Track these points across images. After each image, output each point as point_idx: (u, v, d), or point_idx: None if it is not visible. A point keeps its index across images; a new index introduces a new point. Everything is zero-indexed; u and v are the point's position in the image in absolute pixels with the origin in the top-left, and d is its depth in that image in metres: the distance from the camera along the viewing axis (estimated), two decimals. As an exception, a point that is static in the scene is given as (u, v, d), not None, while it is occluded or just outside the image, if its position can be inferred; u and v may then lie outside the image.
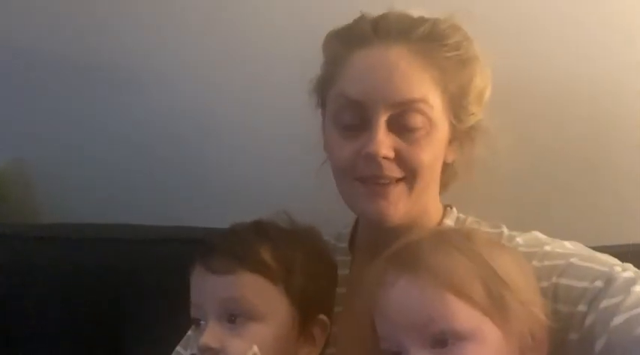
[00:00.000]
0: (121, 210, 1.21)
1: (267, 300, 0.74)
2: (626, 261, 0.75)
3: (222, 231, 0.81)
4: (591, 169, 1.05)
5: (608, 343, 0.68)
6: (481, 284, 0.65)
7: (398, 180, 0.79)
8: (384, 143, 0.77)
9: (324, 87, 0.85)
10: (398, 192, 0.79)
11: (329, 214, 0.87)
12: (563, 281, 0.73)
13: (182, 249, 0.86)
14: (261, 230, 0.80)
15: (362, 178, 0.80)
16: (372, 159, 0.77)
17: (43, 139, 1.29)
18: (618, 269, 0.73)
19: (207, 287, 0.75)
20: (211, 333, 0.71)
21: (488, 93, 0.86)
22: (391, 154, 0.78)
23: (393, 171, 0.79)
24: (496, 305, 0.64)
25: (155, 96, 1.22)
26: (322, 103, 0.87)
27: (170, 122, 1.22)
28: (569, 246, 0.79)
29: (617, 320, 0.68)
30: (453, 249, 0.68)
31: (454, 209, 0.89)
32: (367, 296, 0.70)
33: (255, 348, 0.66)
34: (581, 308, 0.71)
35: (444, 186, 0.89)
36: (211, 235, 0.81)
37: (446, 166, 0.86)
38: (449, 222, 0.87)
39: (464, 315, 0.64)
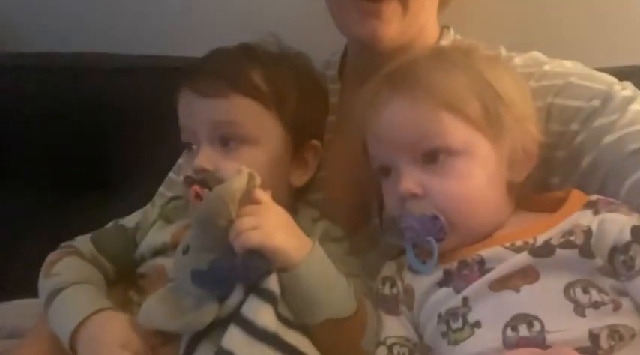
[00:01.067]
0: (100, 38, 1.16)
1: (260, 124, 0.72)
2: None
3: (208, 53, 0.77)
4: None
5: (595, 160, 0.69)
6: (477, 100, 0.64)
7: None
8: None
9: None
10: (392, 9, 0.74)
11: (317, 43, 0.83)
12: (559, 101, 0.72)
13: (165, 77, 0.82)
14: (250, 52, 0.76)
15: None
16: None
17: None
18: (617, 88, 0.71)
19: (197, 110, 0.73)
20: (205, 155, 0.70)
21: None
22: None
23: None
24: (491, 121, 0.64)
25: None
26: None
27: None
28: (569, 65, 0.76)
29: (609, 138, 0.68)
30: (451, 65, 0.66)
31: (451, 30, 0.85)
32: (359, 116, 0.69)
33: (245, 169, 0.64)
34: (574, 126, 0.70)
35: (443, 3, 0.83)
36: (196, 59, 0.77)
37: None
38: (445, 43, 0.83)
39: (457, 132, 0.64)
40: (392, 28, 0.75)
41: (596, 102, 0.71)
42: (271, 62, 0.75)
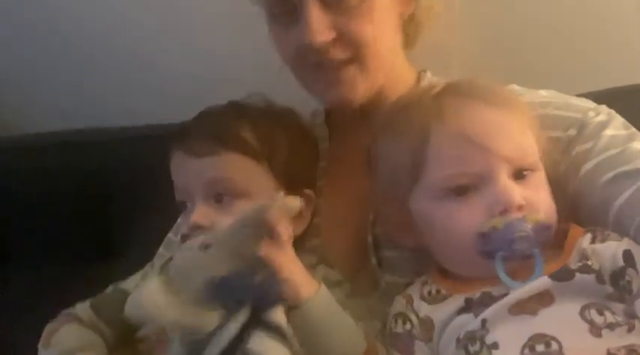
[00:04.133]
0: (96, 113, 1.18)
1: (252, 178, 0.72)
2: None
3: (198, 115, 0.77)
4: (569, 13, 1.01)
5: (577, 189, 0.69)
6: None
7: (347, 62, 0.73)
8: (319, 27, 0.70)
9: None
10: (351, 74, 0.73)
11: (299, 97, 0.82)
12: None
13: (160, 144, 0.83)
14: (238, 110, 0.77)
15: (312, 66, 0.74)
16: (310, 47, 0.71)
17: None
18: (591, 114, 0.72)
19: (190, 170, 0.73)
20: (200, 212, 0.70)
21: None
22: (331, 36, 0.71)
23: (338, 53, 0.72)
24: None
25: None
26: None
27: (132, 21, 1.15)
28: (544, 94, 0.77)
29: (587, 166, 0.68)
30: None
31: (428, 72, 0.85)
32: (420, 129, 0.65)
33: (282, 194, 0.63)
34: (555, 157, 0.70)
35: (410, 43, 0.83)
36: (186, 121, 0.78)
37: (406, 22, 0.79)
38: (425, 85, 0.82)
39: (535, 151, 0.66)
40: (357, 89, 0.74)
41: (572, 132, 0.71)
42: (259, 117, 0.76)
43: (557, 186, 0.68)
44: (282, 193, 0.64)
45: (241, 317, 0.60)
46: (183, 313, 0.58)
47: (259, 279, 0.61)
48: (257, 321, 0.60)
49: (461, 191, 0.64)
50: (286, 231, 0.64)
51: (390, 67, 0.78)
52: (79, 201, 1.10)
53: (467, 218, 0.63)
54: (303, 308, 0.62)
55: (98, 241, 1.09)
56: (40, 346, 0.73)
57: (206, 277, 0.59)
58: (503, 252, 0.61)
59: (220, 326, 0.59)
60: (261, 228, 0.62)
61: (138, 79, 1.22)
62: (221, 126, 0.74)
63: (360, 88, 0.74)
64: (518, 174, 0.64)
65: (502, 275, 0.61)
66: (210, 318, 0.58)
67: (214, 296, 0.59)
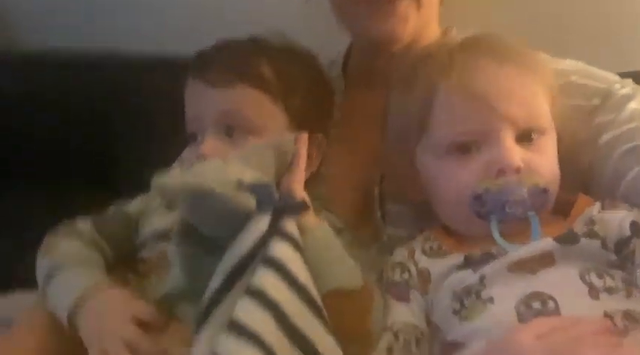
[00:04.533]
0: (108, 35, 1.15)
1: (266, 116, 0.71)
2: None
3: (217, 44, 0.76)
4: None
5: (593, 159, 0.68)
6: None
7: None
8: None
9: None
10: (406, 5, 0.73)
11: (319, 44, 0.81)
12: (560, 100, 0.71)
13: (172, 73, 0.81)
14: (259, 45, 0.76)
15: None
16: None
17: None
18: (617, 86, 0.71)
19: (204, 100, 0.72)
20: (210, 144, 0.69)
21: None
22: None
23: None
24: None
25: None
26: None
27: None
28: (570, 63, 0.76)
29: (606, 137, 0.68)
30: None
31: (454, 29, 0.84)
32: (429, 83, 0.65)
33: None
34: (575, 125, 0.70)
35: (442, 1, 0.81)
36: (206, 49, 0.76)
37: None
38: None
39: (547, 113, 0.65)
40: (408, 24, 0.74)
41: (596, 101, 0.70)
42: (280, 55, 0.74)
43: (572, 155, 0.67)
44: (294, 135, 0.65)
45: (262, 224, 0.60)
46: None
47: (278, 194, 0.62)
48: (275, 232, 0.60)
49: (464, 149, 0.64)
50: (304, 164, 0.65)
51: (431, 14, 0.78)
52: (78, 123, 1.08)
53: (465, 177, 0.63)
54: (308, 235, 0.62)
55: (104, 167, 1.08)
56: (39, 254, 0.72)
57: (232, 179, 0.59)
58: (497, 215, 0.61)
59: (240, 231, 0.59)
60: (283, 155, 0.63)
61: (149, 3, 1.18)
62: (241, 58, 0.73)
63: (410, 24, 0.74)
64: (525, 137, 0.63)
65: (497, 237, 0.61)
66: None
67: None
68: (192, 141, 0.74)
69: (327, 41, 0.83)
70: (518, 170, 0.61)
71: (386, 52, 0.76)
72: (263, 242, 0.59)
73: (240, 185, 0.59)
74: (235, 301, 0.55)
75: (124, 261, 0.74)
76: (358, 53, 0.87)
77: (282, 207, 0.61)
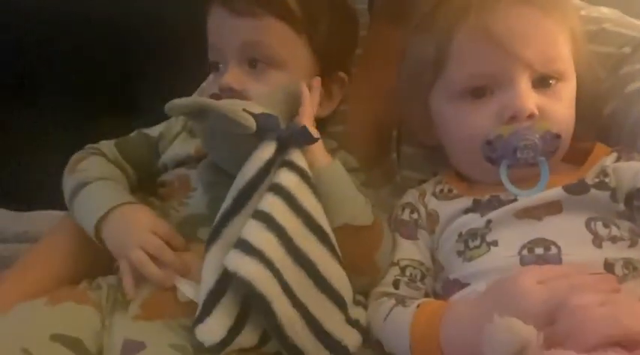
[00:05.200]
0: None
1: (290, 48, 0.71)
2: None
3: None
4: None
5: (616, 108, 0.67)
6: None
7: None
8: None
9: None
10: None
11: None
12: (591, 47, 0.70)
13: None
14: None
15: None
16: None
17: None
18: None
19: (228, 29, 0.71)
20: (233, 74, 0.69)
21: None
22: None
23: None
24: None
25: None
26: None
27: None
28: (605, 11, 0.74)
29: (632, 86, 0.67)
30: None
31: None
32: (447, 23, 0.64)
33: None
34: (601, 73, 0.69)
35: None
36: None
37: None
38: None
39: (569, 59, 0.64)
40: None
41: (626, 49, 0.69)
42: None
43: (595, 103, 0.67)
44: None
45: (267, 152, 0.62)
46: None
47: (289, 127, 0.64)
48: (282, 161, 0.62)
49: (478, 93, 0.63)
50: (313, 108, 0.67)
51: None
52: (96, 50, 1.08)
53: (477, 122, 0.63)
54: (321, 169, 0.64)
55: (120, 92, 1.08)
56: (65, 172, 0.75)
57: (239, 105, 0.62)
58: (508, 160, 0.61)
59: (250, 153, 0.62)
60: (294, 97, 0.64)
61: None
62: None
63: None
64: (542, 82, 0.62)
65: (506, 183, 0.61)
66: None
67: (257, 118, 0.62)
68: (215, 71, 0.74)
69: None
70: (531, 116, 0.61)
71: None
72: (268, 168, 0.61)
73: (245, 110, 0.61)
74: (243, 223, 0.59)
75: (146, 185, 0.77)
76: None
77: (287, 136, 0.63)
